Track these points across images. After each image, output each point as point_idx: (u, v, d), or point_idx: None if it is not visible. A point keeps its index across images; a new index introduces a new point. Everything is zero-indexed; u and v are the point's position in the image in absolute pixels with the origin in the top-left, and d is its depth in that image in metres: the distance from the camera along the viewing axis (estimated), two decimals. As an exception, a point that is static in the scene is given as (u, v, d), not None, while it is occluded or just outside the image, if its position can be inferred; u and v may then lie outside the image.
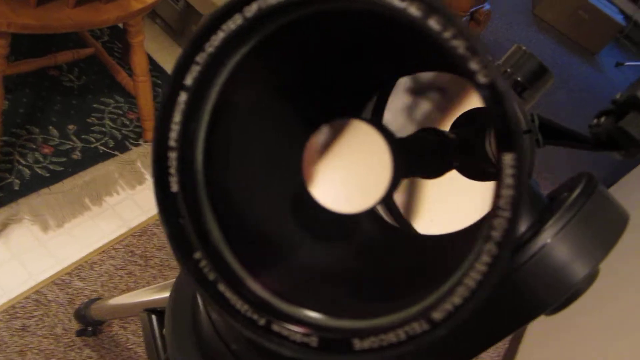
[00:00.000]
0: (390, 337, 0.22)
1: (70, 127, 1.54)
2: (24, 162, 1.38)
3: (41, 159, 1.42)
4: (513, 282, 0.31)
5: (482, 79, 0.19)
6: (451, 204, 0.43)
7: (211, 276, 0.24)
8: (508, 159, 0.20)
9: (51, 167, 1.42)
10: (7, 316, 1.12)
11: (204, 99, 0.25)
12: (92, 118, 1.60)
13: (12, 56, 1.13)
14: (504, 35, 3.52)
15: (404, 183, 0.42)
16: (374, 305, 0.24)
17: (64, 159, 1.45)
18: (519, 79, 0.47)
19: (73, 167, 1.45)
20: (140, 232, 1.40)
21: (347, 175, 0.24)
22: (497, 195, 0.20)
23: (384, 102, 0.41)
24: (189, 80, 0.24)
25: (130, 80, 1.57)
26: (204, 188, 0.26)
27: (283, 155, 0.30)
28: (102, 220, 1.38)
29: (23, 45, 1.63)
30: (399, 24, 0.22)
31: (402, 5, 0.20)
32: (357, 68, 0.35)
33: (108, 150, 1.54)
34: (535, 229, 0.32)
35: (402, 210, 0.40)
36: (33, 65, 1.47)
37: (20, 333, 1.11)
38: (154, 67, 1.85)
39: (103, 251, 1.32)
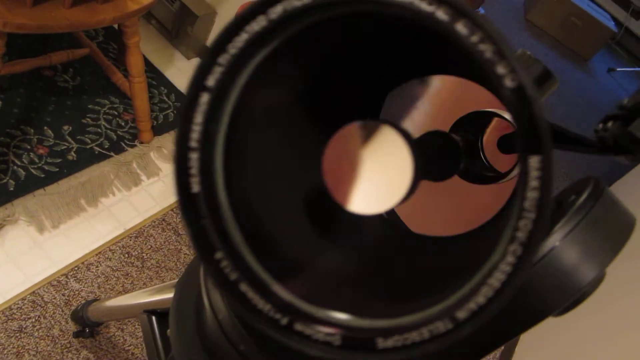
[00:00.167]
0: (414, 336, 0.22)
1: (65, 127, 1.53)
2: (19, 163, 1.38)
3: (36, 159, 1.41)
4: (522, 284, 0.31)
5: (509, 82, 0.20)
6: (450, 204, 0.43)
7: (233, 276, 0.24)
8: (534, 161, 0.20)
9: (46, 167, 1.41)
10: (4, 317, 1.11)
11: (224, 100, 0.25)
12: (87, 119, 1.59)
13: (6, 56, 1.13)
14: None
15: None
16: (397, 305, 0.24)
17: (59, 160, 1.44)
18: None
19: (68, 168, 1.44)
20: (137, 234, 1.39)
21: (369, 177, 0.24)
22: (523, 197, 0.20)
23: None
24: (211, 82, 0.24)
25: (125, 81, 1.56)
26: (224, 189, 0.26)
27: (300, 157, 0.31)
28: (98, 222, 1.38)
29: (17, 45, 1.62)
30: (423, 27, 0.22)
31: (430, 9, 0.20)
32: (371, 70, 0.36)
33: (103, 151, 1.54)
34: (544, 232, 0.32)
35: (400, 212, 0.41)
36: (27, 65, 1.46)
37: (17, 335, 1.10)
38: (149, 68, 1.84)
39: (99, 252, 1.31)
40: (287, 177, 0.30)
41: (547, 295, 0.33)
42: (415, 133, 0.41)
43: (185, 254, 1.43)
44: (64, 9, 1.16)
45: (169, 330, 0.56)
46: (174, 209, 1.51)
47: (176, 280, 0.67)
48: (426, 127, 0.43)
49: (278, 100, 0.29)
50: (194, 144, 0.25)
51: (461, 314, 0.22)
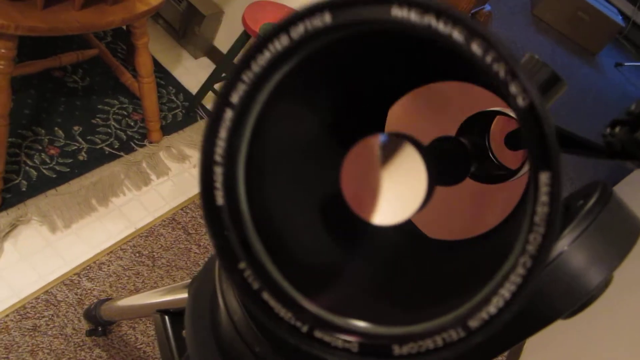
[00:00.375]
0: (428, 344, 0.23)
1: (76, 128, 1.55)
2: (30, 164, 1.39)
3: (48, 160, 1.43)
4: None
5: (521, 102, 0.21)
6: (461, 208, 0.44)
7: (255, 285, 0.25)
8: (544, 177, 0.21)
9: (58, 168, 1.43)
10: (18, 316, 1.13)
11: (247, 116, 0.26)
12: (97, 119, 1.61)
13: (17, 58, 1.14)
14: (504, 36, 3.54)
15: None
16: (413, 312, 0.25)
17: (70, 160, 1.46)
18: (532, 87, 0.48)
19: (79, 168, 1.46)
20: (147, 233, 1.41)
21: (386, 188, 0.25)
22: (533, 212, 0.21)
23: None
24: (235, 98, 0.25)
25: (134, 81, 1.58)
26: (245, 202, 0.27)
27: (316, 169, 0.32)
28: (109, 221, 1.39)
29: (27, 46, 1.63)
30: (437, 46, 0.23)
31: (447, 31, 0.21)
32: (379, 81, 0.37)
33: (113, 151, 1.55)
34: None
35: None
36: (37, 67, 1.48)
37: (31, 333, 1.12)
38: (157, 68, 1.86)
39: (111, 252, 1.33)
40: (305, 188, 0.31)
41: (556, 298, 0.34)
42: (424, 140, 0.42)
43: (195, 252, 1.44)
44: (74, 11, 1.17)
45: (184, 331, 0.57)
46: (184, 208, 1.52)
47: (188, 280, 0.68)
48: (434, 134, 0.44)
49: (295, 114, 0.30)
50: (218, 158, 0.26)
51: (473, 323, 0.23)
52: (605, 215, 0.36)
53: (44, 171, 1.40)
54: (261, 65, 0.25)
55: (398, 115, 0.38)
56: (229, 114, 0.25)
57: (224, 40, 2.00)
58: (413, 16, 0.22)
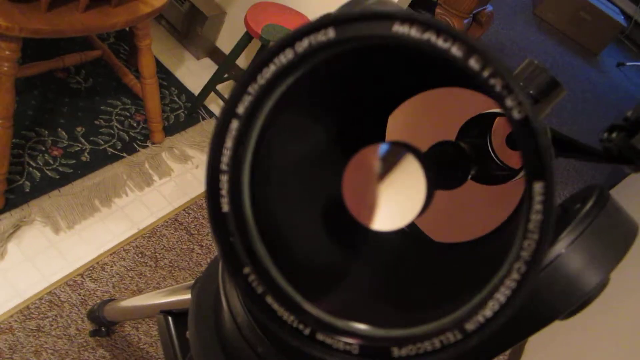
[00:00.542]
0: (426, 346, 0.24)
1: (79, 129, 1.56)
2: (34, 164, 1.40)
3: (51, 161, 1.44)
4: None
5: (517, 115, 0.21)
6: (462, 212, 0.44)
7: (259, 290, 0.26)
8: (538, 187, 0.22)
9: (61, 169, 1.44)
10: (22, 317, 1.14)
11: (251, 126, 0.27)
12: (100, 120, 1.62)
13: (20, 59, 1.15)
14: (505, 36, 3.54)
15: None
16: (411, 315, 0.26)
17: (73, 161, 1.47)
18: (531, 92, 0.49)
19: (82, 169, 1.47)
20: (150, 234, 1.42)
21: (386, 194, 0.26)
22: (527, 219, 0.22)
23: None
24: (240, 109, 0.26)
25: (137, 82, 1.59)
26: (250, 208, 0.28)
27: (321, 177, 0.33)
28: (111, 222, 1.40)
29: (30, 48, 1.65)
30: (437, 59, 0.24)
31: (446, 46, 0.22)
32: (377, 90, 0.37)
33: (116, 152, 1.56)
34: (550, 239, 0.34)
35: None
36: (41, 68, 1.49)
37: (35, 333, 1.13)
38: (159, 69, 1.87)
39: (113, 252, 1.34)
40: (308, 195, 0.32)
41: (554, 300, 0.35)
42: (425, 145, 0.43)
43: (197, 253, 1.45)
44: (78, 13, 1.18)
45: (188, 332, 0.58)
46: (186, 209, 1.53)
47: (191, 281, 0.69)
48: (434, 139, 0.45)
49: (299, 124, 0.31)
50: (224, 167, 0.27)
51: (470, 326, 0.24)
52: (602, 219, 0.37)
53: (47, 172, 1.41)
54: (266, 78, 0.26)
55: (398, 123, 0.39)
56: (234, 125, 0.26)
57: (226, 41, 2.01)
58: (414, 32, 0.23)
